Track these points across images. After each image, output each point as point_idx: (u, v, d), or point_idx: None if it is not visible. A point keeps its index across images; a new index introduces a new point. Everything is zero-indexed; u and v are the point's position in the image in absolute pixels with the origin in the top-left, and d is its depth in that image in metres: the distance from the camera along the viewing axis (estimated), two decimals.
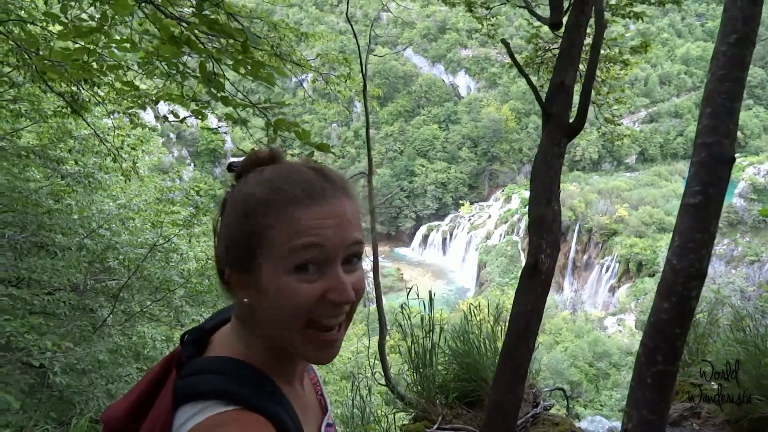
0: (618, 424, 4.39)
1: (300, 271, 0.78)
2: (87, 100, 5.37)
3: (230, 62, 2.60)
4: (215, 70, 2.51)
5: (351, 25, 6.02)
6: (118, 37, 2.84)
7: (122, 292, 6.54)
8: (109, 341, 5.94)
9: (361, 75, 5.97)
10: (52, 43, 3.87)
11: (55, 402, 5.01)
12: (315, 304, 0.79)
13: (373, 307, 5.83)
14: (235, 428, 0.74)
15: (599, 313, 52.75)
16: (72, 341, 4.99)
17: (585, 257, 62.00)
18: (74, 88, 5.08)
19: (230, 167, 0.91)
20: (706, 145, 2.19)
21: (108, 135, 6.97)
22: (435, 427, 3.37)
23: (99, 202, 7.49)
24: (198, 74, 2.40)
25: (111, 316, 6.24)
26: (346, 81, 6.46)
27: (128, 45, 2.59)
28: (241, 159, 0.90)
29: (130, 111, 5.71)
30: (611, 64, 6.93)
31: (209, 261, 7.95)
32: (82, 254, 6.20)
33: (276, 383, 0.86)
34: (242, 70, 2.46)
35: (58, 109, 5.71)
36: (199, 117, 3.02)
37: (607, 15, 6.34)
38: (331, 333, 0.82)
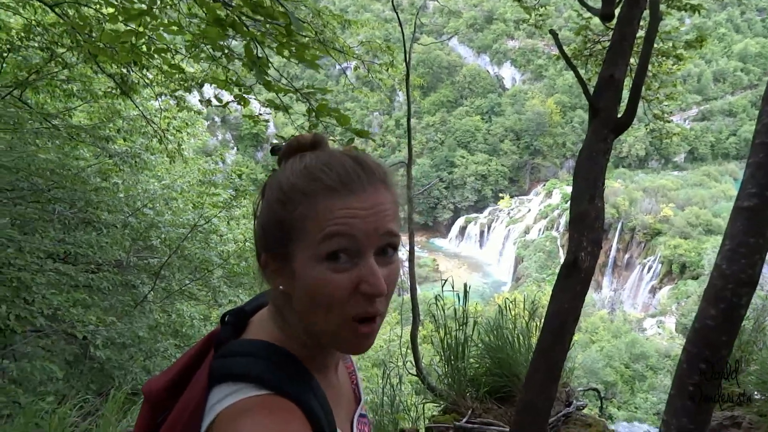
0: (652, 429, 4.29)
1: (331, 261, 0.77)
2: (136, 82, 5.51)
3: (275, 46, 2.61)
4: (259, 53, 2.52)
5: (396, 13, 5.96)
6: (166, 20, 2.88)
7: (163, 270, 6.72)
8: (149, 317, 6.12)
9: (404, 64, 5.92)
10: (104, 25, 3.97)
11: (95, 374, 5.20)
12: (347, 296, 0.78)
13: (407, 296, 5.82)
14: (264, 413, 0.74)
15: (638, 314, 51.51)
16: (114, 316, 5.16)
17: (626, 256, 60.62)
18: (124, 70, 5.22)
19: (273, 151, 0.91)
20: (765, 144, 2.08)
21: (155, 116, 7.14)
22: (464, 420, 3.35)
23: (144, 182, 7.69)
24: (242, 58, 2.42)
25: (152, 292, 6.42)
26: (388, 69, 6.43)
27: (175, 28, 2.62)
28: (285, 143, 0.89)
29: (176, 94, 5.84)
30: (664, 58, 6.68)
31: (247, 243, 8.08)
32: (126, 232, 6.38)
33: (309, 371, 0.86)
34: (286, 53, 2.47)
35: (108, 90, 5.87)
36: (242, 103, 3.05)
37: (661, 7, 6.11)
38: (367, 324, 0.82)
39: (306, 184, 0.79)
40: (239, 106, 3.47)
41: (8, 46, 5.05)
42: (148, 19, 2.53)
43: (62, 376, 4.33)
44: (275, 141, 0.94)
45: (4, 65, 5.35)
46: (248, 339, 0.89)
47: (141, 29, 2.63)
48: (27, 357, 4.38)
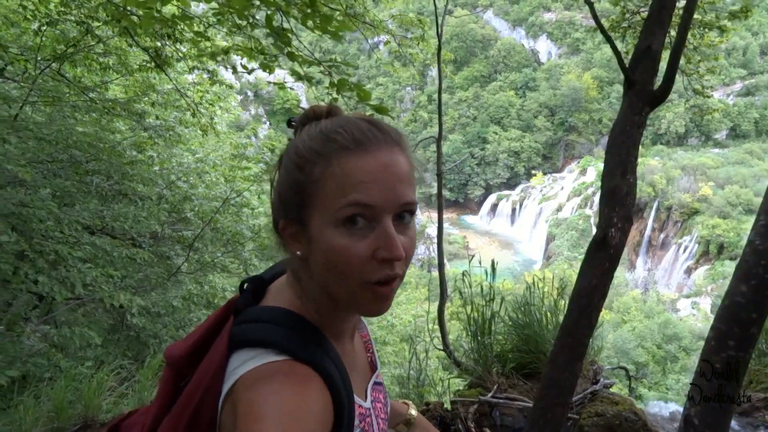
0: (681, 409, 4.24)
1: (349, 225, 0.77)
2: (170, 55, 5.56)
3: (300, 17, 2.60)
4: (283, 24, 2.51)
5: None
6: None
7: (196, 242, 6.85)
8: (182, 288, 6.27)
9: (436, 38, 5.82)
10: None
11: (131, 341, 5.38)
12: (365, 262, 0.78)
13: (436, 272, 5.82)
14: (283, 378, 0.75)
15: (672, 295, 50.52)
16: (148, 286, 5.30)
17: (662, 236, 59.28)
18: (158, 44, 5.27)
19: (289, 123, 0.92)
20: None
21: (188, 90, 7.21)
22: (490, 395, 3.36)
23: (178, 155, 7.81)
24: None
25: (185, 264, 6.56)
26: (419, 44, 6.34)
27: None
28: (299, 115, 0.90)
29: (208, 67, 5.87)
30: (706, 30, 6.40)
31: None
32: (160, 204, 6.52)
33: (326, 336, 0.87)
34: (310, 24, 2.45)
35: (143, 63, 5.95)
36: (267, 70, 3.06)
37: None
38: (385, 286, 0.81)
39: (322, 146, 0.79)
40: (271, 81, 3.49)
41: (47, 19, 5.14)
42: None
43: (100, 343, 4.49)
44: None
45: (43, 39, 5.46)
46: (266, 306, 0.90)
47: None
48: (68, 324, 4.55)
